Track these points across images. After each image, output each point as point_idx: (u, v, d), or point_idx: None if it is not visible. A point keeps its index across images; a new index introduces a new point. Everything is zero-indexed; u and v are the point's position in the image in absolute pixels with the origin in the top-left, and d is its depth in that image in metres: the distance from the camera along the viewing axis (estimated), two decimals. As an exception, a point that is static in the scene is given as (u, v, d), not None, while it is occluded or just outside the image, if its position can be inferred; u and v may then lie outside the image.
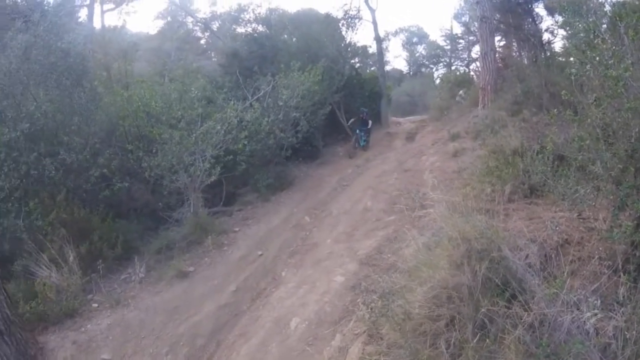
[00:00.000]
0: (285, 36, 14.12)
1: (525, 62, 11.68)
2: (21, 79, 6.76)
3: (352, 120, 12.55)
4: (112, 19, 40.80)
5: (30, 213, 6.04)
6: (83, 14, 16.02)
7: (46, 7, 11.77)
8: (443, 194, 5.71)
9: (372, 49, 16.94)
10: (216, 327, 4.92)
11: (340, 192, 8.71)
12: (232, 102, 8.52)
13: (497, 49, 11.74)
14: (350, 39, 14.50)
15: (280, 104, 9.38)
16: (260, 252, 6.37)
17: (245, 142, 8.16)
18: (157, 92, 8.25)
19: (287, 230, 7.03)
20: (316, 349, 3.96)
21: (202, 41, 23.36)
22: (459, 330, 2.96)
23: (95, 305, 5.52)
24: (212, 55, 21.14)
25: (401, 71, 30.15)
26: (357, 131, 12.20)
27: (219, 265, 6.20)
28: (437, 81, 23.83)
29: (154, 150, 7.13)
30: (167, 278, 5.91)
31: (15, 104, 6.58)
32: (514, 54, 13.00)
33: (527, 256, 3.39)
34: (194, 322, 5.05)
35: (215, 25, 22.12)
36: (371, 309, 3.69)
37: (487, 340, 2.82)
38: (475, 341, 2.86)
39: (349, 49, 14.06)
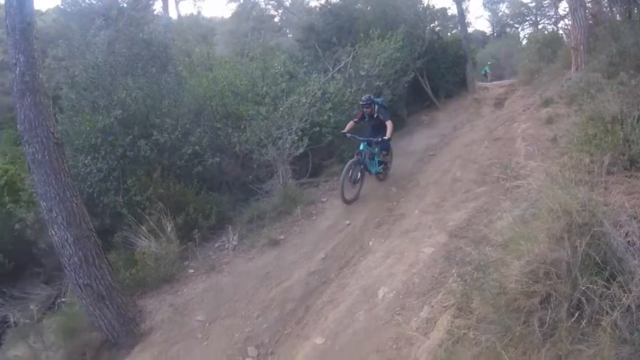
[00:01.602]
0: (360, 5, 13.71)
1: (618, 18, 10.38)
2: (109, 70, 7.31)
3: (350, 123, 7.34)
4: (187, 8, 42.45)
5: (128, 190, 6.55)
6: (158, 6, 16.82)
7: (122, 4, 12.52)
8: (538, 163, 5.33)
9: (452, 10, 16.11)
10: (305, 292, 5.02)
11: (427, 162, 8.41)
12: (314, 75, 8.50)
13: (587, 4, 10.54)
14: (428, 1, 13.81)
15: (362, 73, 9.16)
16: (347, 222, 6.33)
17: (330, 114, 8.08)
18: (241, 72, 8.48)
19: (374, 200, 6.92)
20: (404, 318, 3.88)
21: (276, 19, 23.63)
22: (554, 309, 2.72)
23: (191, 271, 5.88)
24: (288, 31, 21.32)
25: (484, 33, 28.45)
26: (361, 147, 6.97)
27: (308, 233, 6.27)
28: (524, 42, 22.15)
29: (242, 127, 7.36)
30: (258, 246, 6.12)
31: (106, 93, 7.15)
32: (605, 9, 11.59)
33: (627, 234, 3.04)
34: (284, 288, 5.19)
35: (287, 2, 22.19)
36: (465, 281, 3.53)
37: (583, 321, 2.58)
38: (570, 322, 2.62)
39: (427, 13, 13.26)
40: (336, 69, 9.54)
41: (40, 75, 4.90)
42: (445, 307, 3.76)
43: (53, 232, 4.82)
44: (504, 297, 3.00)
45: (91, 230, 4.97)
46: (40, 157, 4.81)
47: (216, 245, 6.45)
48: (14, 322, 5.98)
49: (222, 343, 4.69)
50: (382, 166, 7.52)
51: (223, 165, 7.44)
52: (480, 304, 3.25)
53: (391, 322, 3.91)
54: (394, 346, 3.64)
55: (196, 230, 6.13)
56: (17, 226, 6.93)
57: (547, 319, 2.72)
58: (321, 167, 8.77)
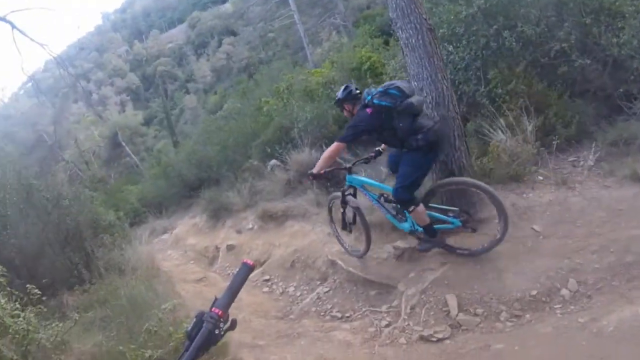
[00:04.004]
0: None
1: None
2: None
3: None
4: None
5: (489, 82, 6.39)
6: None
7: None
8: None
9: None
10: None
11: None
12: None
13: None
14: None
15: None
16: None
17: None
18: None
19: None
20: None
21: None
22: None
23: (541, 178, 5.49)
24: None
25: None
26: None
27: (680, 184, 4.96)
28: None
29: (619, 26, 6.03)
30: (619, 175, 5.19)
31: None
32: None
33: None
34: (631, 235, 4.33)
35: None
36: None
37: None
38: None
39: None
40: None
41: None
42: None
43: (422, 110, 5.21)
44: None
45: (457, 112, 5.19)
46: (414, 41, 5.16)
47: (569, 159, 5.79)
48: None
49: (547, 262, 4.38)
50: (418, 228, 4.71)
51: (586, 70, 6.33)
52: None
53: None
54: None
55: (556, 137, 5.60)
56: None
57: None
58: None
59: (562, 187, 5.25)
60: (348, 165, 5.12)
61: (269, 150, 9.45)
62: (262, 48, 45.85)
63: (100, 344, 3.74)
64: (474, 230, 4.68)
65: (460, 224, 4.57)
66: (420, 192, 4.66)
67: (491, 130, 5.87)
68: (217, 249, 9.01)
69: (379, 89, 4.44)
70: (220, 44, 65.69)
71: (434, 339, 4.02)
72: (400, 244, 5.42)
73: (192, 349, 1.36)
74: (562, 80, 6.29)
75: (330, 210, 5.67)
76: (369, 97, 4.44)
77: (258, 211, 8.58)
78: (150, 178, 19.30)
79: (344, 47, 13.53)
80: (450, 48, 6.75)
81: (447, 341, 3.99)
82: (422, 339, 4.06)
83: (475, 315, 4.15)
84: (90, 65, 76.28)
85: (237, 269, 1.53)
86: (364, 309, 4.98)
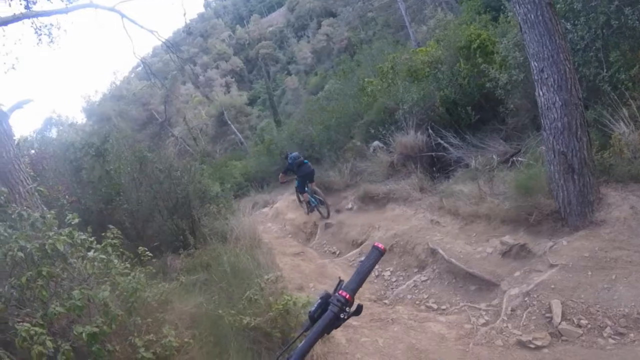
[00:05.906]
0: None
1: None
2: None
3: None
4: None
5: (611, 65, 5.69)
6: None
7: None
8: None
9: None
10: None
11: None
12: None
13: None
14: None
15: None
16: None
17: None
18: None
19: None
20: None
21: None
22: None
23: None
24: None
25: None
26: None
27: None
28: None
29: None
30: None
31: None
32: None
33: None
34: None
35: None
36: None
37: None
38: None
39: None
40: None
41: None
42: None
43: (541, 93, 4.87)
44: None
45: (580, 98, 4.75)
46: (532, 17, 4.75)
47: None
48: (467, 164, 6.71)
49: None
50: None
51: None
52: None
53: None
54: None
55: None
56: (487, 85, 7.40)
57: None
58: None
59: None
60: (295, 176, 9.58)
61: (372, 131, 9.37)
62: (362, 28, 45.11)
63: (200, 305, 3.94)
64: (326, 207, 9.24)
65: (317, 203, 9.41)
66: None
67: (612, 120, 5.24)
68: (315, 225, 9.36)
69: (290, 155, 9.57)
70: (319, 26, 65.88)
71: (532, 346, 3.82)
72: (509, 239, 5.15)
73: (315, 330, 1.30)
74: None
75: (297, 196, 10.46)
76: (288, 158, 9.46)
77: (359, 192, 8.69)
78: (253, 155, 20.31)
79: (450, 25, 12.84)
80: (568, 26, 6.05)
81: (545, 350, 3.78)
82: (520, 343, 3.88)
83: (579, 326, 3.86)
84: (196, 50, 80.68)
85: (368, 252, 1.44)
86: (461, 304, 4.87)
